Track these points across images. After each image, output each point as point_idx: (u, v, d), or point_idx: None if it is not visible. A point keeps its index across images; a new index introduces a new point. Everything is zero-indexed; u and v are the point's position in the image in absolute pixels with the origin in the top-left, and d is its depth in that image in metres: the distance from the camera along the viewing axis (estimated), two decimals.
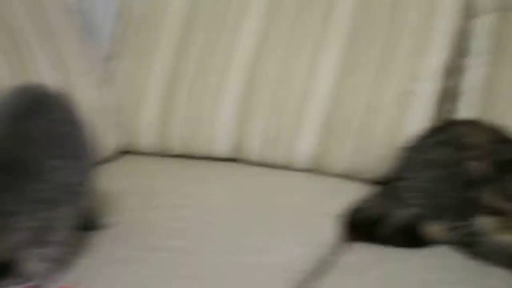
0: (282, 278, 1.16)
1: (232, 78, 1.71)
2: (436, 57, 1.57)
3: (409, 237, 1.25)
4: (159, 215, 1.37)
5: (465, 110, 1.54)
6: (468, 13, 1.59)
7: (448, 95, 1.60)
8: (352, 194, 1.50)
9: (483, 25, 1.56)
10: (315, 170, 1.65)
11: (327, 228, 1.36)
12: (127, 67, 1.80)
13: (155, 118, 1.76)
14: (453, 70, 1.60)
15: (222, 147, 1.72)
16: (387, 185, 1.44)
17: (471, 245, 1.20)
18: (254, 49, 1.70)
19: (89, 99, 1.66)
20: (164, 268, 1.14)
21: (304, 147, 1.64)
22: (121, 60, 1.81)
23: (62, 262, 1.07)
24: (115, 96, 1.77)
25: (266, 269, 1.16)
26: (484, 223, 1.19)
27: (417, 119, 1.55)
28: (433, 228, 1.24)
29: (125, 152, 1.77)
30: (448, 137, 1.32)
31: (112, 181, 1.38)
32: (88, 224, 1.19)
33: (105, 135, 1.66)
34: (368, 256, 1.22)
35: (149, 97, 1.77)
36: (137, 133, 1.78)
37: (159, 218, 1.35)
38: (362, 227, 1.32)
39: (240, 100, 1.69)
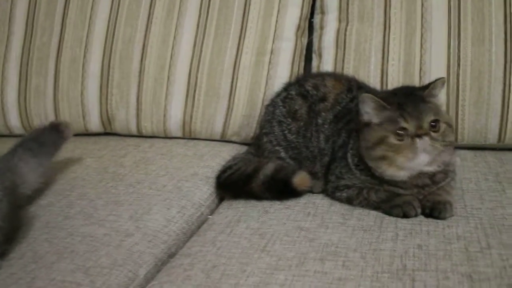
0: (157, 242, 1.18)
1: (93, 49, 1.69)
2: (291, 16, 1.62)
3: (278, 189, 1.30)
4: None
5: (323, 65, 1.61)
6: None
7: (307, 51, 1.67)
8: (223, 156, 1.55)
9: None
10: (187, 136, 1.68)
11: (200, 189, 1.39)
12: None
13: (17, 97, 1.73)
14: (310, 28, 1.67)
15: (92, 122, 1.71)
16: (255, 142, 1.50)
17: (334, 192, 1.28)
18: (111, 21, 1.68)
19: None
20: (29, 246, 1.13)
21: (174, 114, 1.65)
22: None
23: None
24: None
25: (141, 235, 1.18)
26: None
27: (278, 78, 1.60)
28: (298, 178, 1.29)
29: None
30: (303, 91, 1.37)
31: None
32: None
33: None
34: (241, 211, 1.26)
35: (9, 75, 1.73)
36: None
37: None
38: (233, 184, 1.36)
39: (103, 74, 1.68)
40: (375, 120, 1.19)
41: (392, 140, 1.16)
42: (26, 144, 1.36)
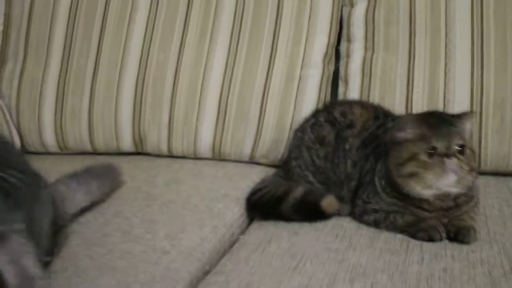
0: (192, 259, 1.23)
1: (128, 72, 1.76)
2: (319, 43, 1.69)
3: (307, 211, 1.35)
4: None
5: (349, 92, 1.67)
6: (346, 2, 1.72)
7: (334, 78, 1.73)
8: (252, 178, 1.60)
9: (359, 13, 1.69)
10: (216, 157, 1.73)
11: (231, 210, 1.45)
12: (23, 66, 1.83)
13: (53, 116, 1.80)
14: (337, 56, 1.73)
15: (124, 142, 1.78)
16: (283, 166, 1.55)
17: (361, 215, 1.33)
18: (145, 46, 1.75)
19: None
20: (71, 261, 1.17)
21: (204, 136, 1.71)
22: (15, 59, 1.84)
23: None
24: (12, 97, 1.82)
25: (177, 253, 1.23)
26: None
27: (306, 103, 1.66)
28: (326, 201, 1.34)
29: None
30: (331, 117, 1.43)
31: None
32: None
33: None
34: (271, 232, 1.31)
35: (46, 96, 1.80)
36: (36, 132, 1.81)
37: None
38: (264, 206, 1.41)
39: (136, 96, 1.75)
40: (409, 137, 1.26)
41: (423, 157, 1.23)
42: (74, 172, 1.42)
